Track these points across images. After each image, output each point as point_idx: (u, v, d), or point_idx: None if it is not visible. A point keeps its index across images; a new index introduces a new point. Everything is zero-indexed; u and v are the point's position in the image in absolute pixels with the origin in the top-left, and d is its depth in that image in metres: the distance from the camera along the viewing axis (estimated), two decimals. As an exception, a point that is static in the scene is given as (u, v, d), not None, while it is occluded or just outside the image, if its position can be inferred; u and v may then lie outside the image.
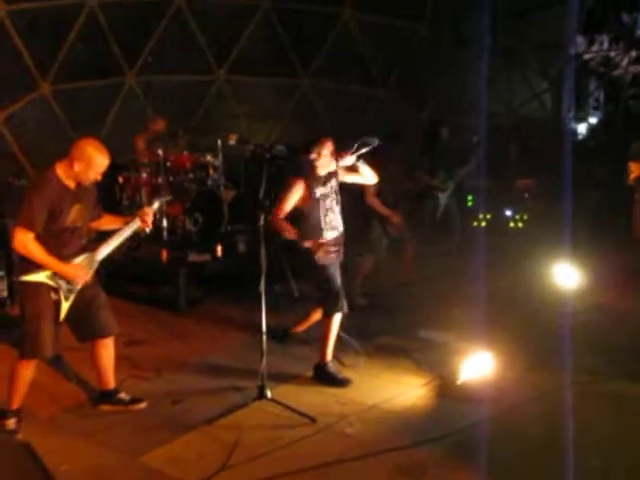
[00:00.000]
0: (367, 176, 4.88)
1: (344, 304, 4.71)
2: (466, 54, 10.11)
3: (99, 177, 3.97)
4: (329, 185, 4.75)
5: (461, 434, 3.98)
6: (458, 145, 8.43)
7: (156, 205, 4.35)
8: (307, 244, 4.63)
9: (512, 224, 8.98)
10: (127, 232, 4.15)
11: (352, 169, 4.79)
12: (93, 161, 3.89)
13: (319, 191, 4.70)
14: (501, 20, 9.54)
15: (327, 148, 4.66)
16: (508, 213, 9.00)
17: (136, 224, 4.16)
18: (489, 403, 4.26)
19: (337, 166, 4.71)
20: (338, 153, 4.69)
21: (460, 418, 4.16)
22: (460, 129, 8.76)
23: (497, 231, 8.47)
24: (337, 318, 4.71)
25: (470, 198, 8.73)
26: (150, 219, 4.20)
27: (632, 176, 7.45)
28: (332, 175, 4.76)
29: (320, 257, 4.65)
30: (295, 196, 4.66)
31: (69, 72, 8.80)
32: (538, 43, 10.49)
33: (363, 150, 4.64)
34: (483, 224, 8.64)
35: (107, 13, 8.83)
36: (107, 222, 4.28)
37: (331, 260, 4.73)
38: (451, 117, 8.73)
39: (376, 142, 4.58)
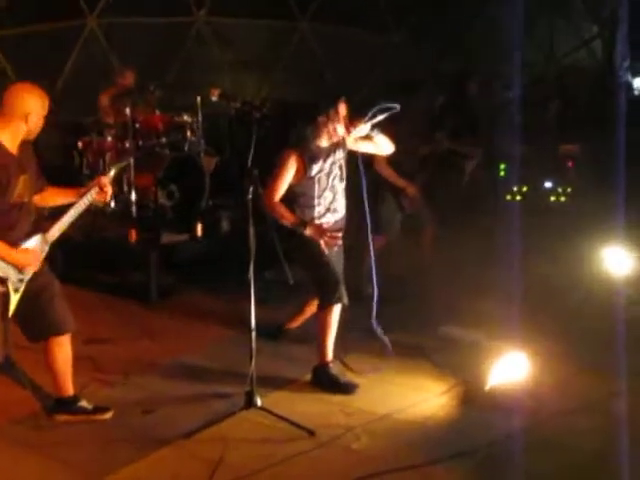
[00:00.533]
0: (382, 146, 4.86)
1: (343, 293, 4.72)
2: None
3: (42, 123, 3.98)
4: (330, 159, 4.73)
5: (489, 449, 3.99)
6: (487, 102, 8.39)
7: (112, 172, 4.30)
8: (308, 231, 4.63)
9: (553, 198, 8.97)
10: (81, 207, 4.11)
11: (364, 137, 4.76)
12: (43, 106, 3.91)
13: (316, 167, 4.68)
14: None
15: (342, 111, 4.62)
16: (548, 185, 8.99)
17: (91, 197, 4.12)
18: (523, 413, 4.27)
19: (346, 135, 4.68)
20: (349, 121, 4.65)
21: (488, 430, 4.17)
22: (490, 82, 8.71)
23: (535, 207, 8.47)
24: (336, 310, 4.72)
25: (503, 167, 8.70)
26: (109, 190, 4.18)
27: None
28: (336, 146, 4.73)
29: (324, 245, 4.65)
30: (290, 172, 4.65)
31: (16, 15, 8.73)
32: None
33: (380, 117, 4.59)
34: (518, 198, 8.64)
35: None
36: (53, 196, 4.21)
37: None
38: (479, 68, 8.69)
39: (397, 108, 4.53)
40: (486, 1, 10.24)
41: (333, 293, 4.69)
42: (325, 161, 4.71)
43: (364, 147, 4.85)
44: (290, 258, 4.82)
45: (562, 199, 8.94)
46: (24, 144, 3.98)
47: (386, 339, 5.01)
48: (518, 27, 8.94)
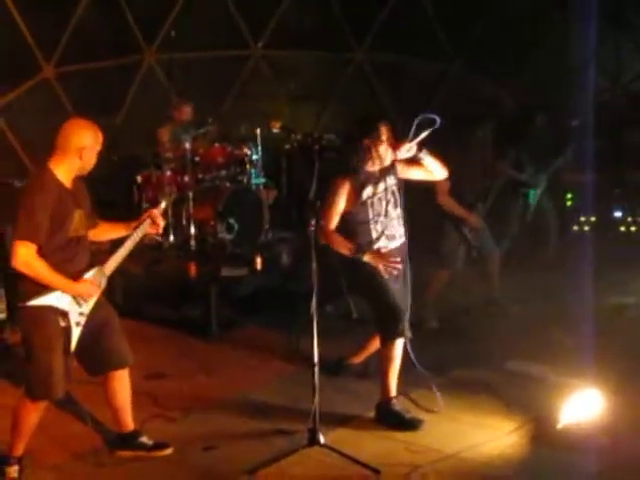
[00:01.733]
0: (434, 170, 4.78)
1: (406, 327, 4.67)
2: (563, 16, 9.95)
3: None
4: (382, 184, 4.71)
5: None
6: (552, 131, 8.31)
7: (163, 204, 4.42)
8: (367, 257, 4.62)
9: (623, 228, 8.81)
10: (134, 240, 4.20)
11: (414, 162, 4.71)
12: (92, 140, 4.00)
13: (367, 192, 4.67)
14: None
15: (383, 134, 4.61)
16: (618, 214, 8.84)
17: (144, 229, 4.21)
18: (599, 453, 4.16)
19: (394, 159, 4.66)
20: (395, 142, 4.62)
21: (562, 472, 4.07)
22: (555, 110, 8.63)
23: (604, 237, 8.32)
24: (399, 345, 4.67)
25: (570, 197, 8.61)
26: (161, 222, 4.26)
27: None
28: (388, 171, 4.71)
29: (384, 271, 4.63)
30: (341, 199, 4.66)
31: (77, 51, 8.98)
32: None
33: (424, 134, 4.53)
34: (586, 228, 8.52)
35: (121, -21, 9.02)
36: (105, 231, 4.32)
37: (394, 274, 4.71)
38: (548, 100, 8.61)
39: (437, 121, 4.44)
40: (551, 26, 10.16)
41: (395, 327, 4.65)
42: (376, 186, 4.70)
43: (415, 174, 4.80)
44: (353, 291, 4.82)
45: (633, 229, 8.77)
46: (77, 179, 4.09)
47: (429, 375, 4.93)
48: (585, 52, 8.87)
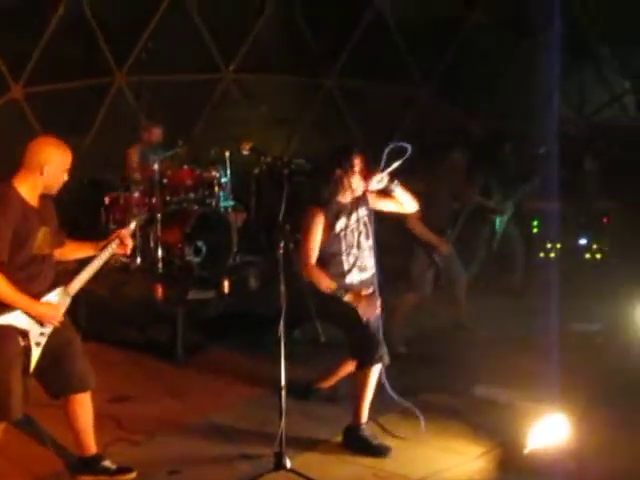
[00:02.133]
0: (405, 202, 4.78)
1: (385, 353, 4.64)
2: (528, 46, 10.13)
3: (66, 177, 4.04)
4: (355, 215, 4.69)
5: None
6: (519, 158, 8.41)
7: (133, 225, 4.39)
8: (347, 298, 4.59)
9: (588, 255, 8.90)
10: (101, 260, 4.15)
11: (385, 193, 4.69)
12: (62, 159, 3.97)
13: (340, 224, 4.66)
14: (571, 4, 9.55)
15: (356, 165, 4.59)
16: (583, 242, 8.94)
17: (112, 249, 4.17)
18: (566, 478, 4.18)
19: (366, 190, 4.64)
20: (367, 173, 4.61)
21: (528, 496, 4.07)
22: (521, 138, 8.75)
23: (569, 264, 8.40)
24: (375, 371, 4.65)
25: (536, 224, 8.70)
26: (129, 243, 4.21)
27: None
28: (359, 202, 4.70)
29: (362, 314, 4.60)
30: (319, 229, 4.62)
31: (46, 72, 8.94)
32: (616, 33, 10.49)
33: (395, 165, 4.52)
34: (552, 255, 8.60)
35: (92, 1, 9.00)
36: (73, 250, 4.27)
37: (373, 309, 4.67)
38: (514, 128, 8.72)
39: (408, 150, 4.45)
40: (517, 56, 10.33)
41: (373, 354, 4.60)
42: (349, 217, 4.68)
43: (386, 206, 4.80)
44: (323, 316, 4.79)
45: (597, 256, 8.87)
46: (45, 197, 4.05)
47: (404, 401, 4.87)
48: (550, 82, 9.01)
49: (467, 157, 6.64)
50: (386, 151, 4.47)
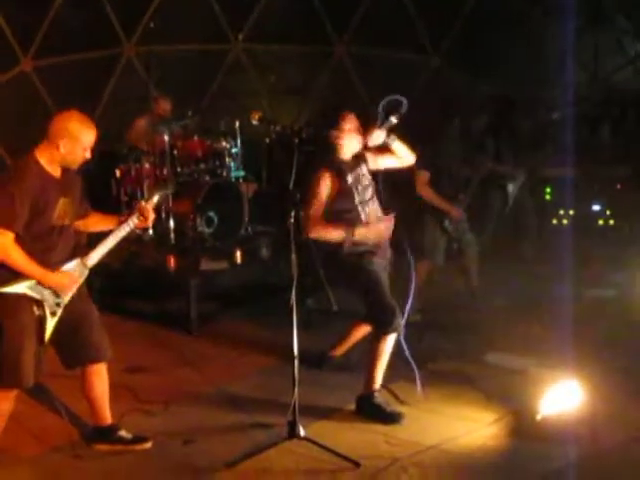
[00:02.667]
0: (403, 155, 4.81)
1: (401, 322, 4.64)
2: (542, 11, 9.98)
3: (89, 155, 4.00)
4: (359, 171, 4.72)
5: (543, 482, 3.91)
6: (532, 124, 8.34)
7: (156, 199, 4.31)
8: (358, 232, 4.56)
9: (601, 222, 8.85)
10: (122, 233, 4.15)
11: (383, 150, 4.74)
12: (80, 136, 3.90)
13: (349, 178, 4.68)
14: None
15: (349, 122, 4.64)
16: (596, 208, 8.88)
17: (132, 223, 4.16)
18: (578, 444, 4.17)
19: (365, 147, 4.68)
20: (364, 129, 4.65)
21: (541, 463, 4.08)
22: (535, 104, 8.66)
23: (582, 230, 8.36)
24: (391, 339, 4.65)
25: (548, 190, 8.64)
26: (151, 216, 4.20)
27: None
28: (360, 160, 4.74)
29: (377, 239, 4.60)
30: (325, 189, 4.63)
31: (55, 44, 8.91)
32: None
33: (393, 120, 4.57)
34: (565, 222, 8.55)
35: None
36: (96, 222, 4.29)
37: (380, 263, 4.68)
38: (523, 90, 8.62)
39: (404, 103, 4.48)
40: (529, 21, 10.19)
41: (391, 322, 4.61)
42: (354, 173, 4.70)
43: (385, 162, 4.83)
44: (339, 285, 4.76)
45: (611, 222, 8.81)
46: (67, 169, 4.03)
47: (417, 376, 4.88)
48: (564, 47, 8.89)
49: (478, 123, 6.58)
50: (381, 104, 4.53)
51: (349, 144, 4.67)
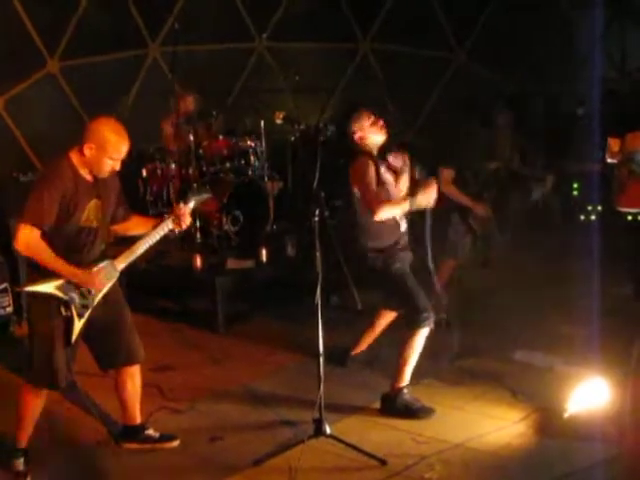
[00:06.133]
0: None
1: (432, 316, 4.67)
2: (567, 3, 9.90)
3: (117, 166, 4.00)
4: (387, 162, 4.84)
5: (571, 480, 3.89)
6: (556, 121, 8.28)
7: (192, 203, 4.29)
8: (420, 197, 4.66)
9: (630, 217, 8.73)
10: (156, 237, 4.18)
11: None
12: (108, 145, 3.89)
13: (382, 170, 4.77)
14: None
15: (368, 118, 4.76)
16: (624, 204, 8.77)
17: (167, 227, 4.17)
18: (606, 442, 4.16)
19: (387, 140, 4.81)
20: (383, 124, 4.78)
21: (568, 461, 4.07)
22: (560, 99, 8.59)
23: (611, 226, 8.27)
24: (424, 334, 4.67)
25: (576, 186, 8.55)
26: (187, 220, 4.21)
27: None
28: (383, 153, 4.85)
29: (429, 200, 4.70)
30: (372, 173, 4.71)
31: (81, 45, 8.98)
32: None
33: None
34: (593, 218, 8.46)
35: (125, -28, 9.01)
36: (137, 225, 4.29)
37: (404, 257, 4.77)
38: (549, 85, 8.56)
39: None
40: (555, 15, 10.11)
41: (422, 317, 4.63)
42: (383, 165, 4.82)
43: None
44: (369, 282, 4.79)
45: (639, 217, 8.70)
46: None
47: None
48: (591, 41, 8.81)
49: (503, 119, 6.55)
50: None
51: (372, 139, 4.77)
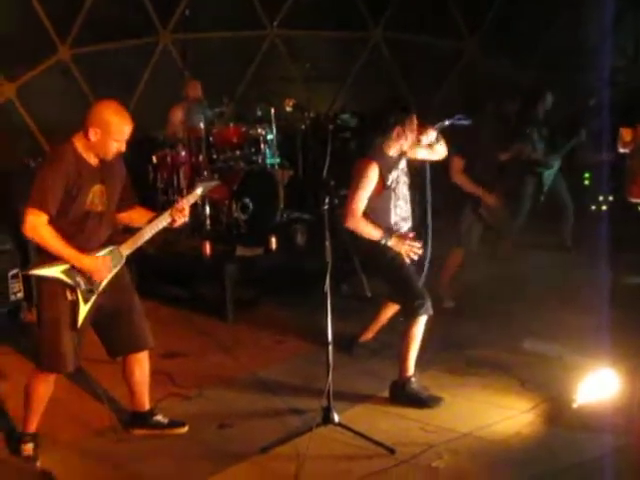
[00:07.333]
0: (439, 151, 4.88)
1: (430, 304, 4.65)
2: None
3: (122, 147, 3.99)
4: (399, 167, 4.75)
5: (578, 471, 3.88)
6: (568, 110, 8.21)
7: (199, 191, 4.30)
8: (391, 242, 4.62)
9: (641, 208, 8.69)
10: (159, 226, 4.16)
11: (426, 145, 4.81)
12: (111, 127, 3.88)
13: (391, 177, 4.68)
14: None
15: (414, 122, 4.65)
16: (636, 194, 8.72)
17: (168, 217, 4.14)
18: (615, 433, 4.13)
19: (418, 144, 4.72)
20: (421, 128, 4.68)
21: (577, 451, 4.05)
22: (571, 89, 8.52)
23: (622, 216, 8.22)
24: (422, 322, 4.65)
25: (587, 176, 8.51)
26: (187, 212, 4.19)
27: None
28: (402, 154, 4.75)
29: (405, 256, 4.64)
30: (372, 183, 4.62)
31: (92, 33, 8.98)
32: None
33: (446, 122, 4.72)
34: (604, 208, 8.41)
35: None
36: (140, 217, 4.26)
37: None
38: (560, 75, 8.49)
39: (468, 122, 4.69)
40: (567, 4, 10.03)
41: (420, 304, 4.61)
42: (396, 171, 4.72)
43: (420, 154, 4.84)
44: (368, 270, 4.79)
45: (651, 208, 8.65)
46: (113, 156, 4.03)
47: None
48: (602, 30, 8.73)
49: (513, 108, 6.52)
50: (446, 123, 4.74)
51: (405, 144, 4.67)
